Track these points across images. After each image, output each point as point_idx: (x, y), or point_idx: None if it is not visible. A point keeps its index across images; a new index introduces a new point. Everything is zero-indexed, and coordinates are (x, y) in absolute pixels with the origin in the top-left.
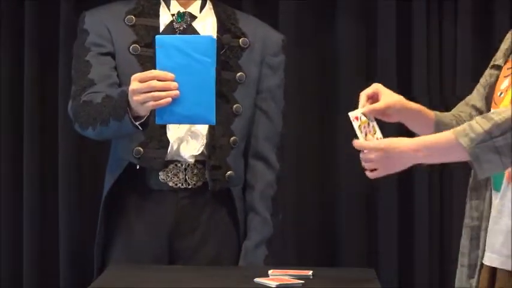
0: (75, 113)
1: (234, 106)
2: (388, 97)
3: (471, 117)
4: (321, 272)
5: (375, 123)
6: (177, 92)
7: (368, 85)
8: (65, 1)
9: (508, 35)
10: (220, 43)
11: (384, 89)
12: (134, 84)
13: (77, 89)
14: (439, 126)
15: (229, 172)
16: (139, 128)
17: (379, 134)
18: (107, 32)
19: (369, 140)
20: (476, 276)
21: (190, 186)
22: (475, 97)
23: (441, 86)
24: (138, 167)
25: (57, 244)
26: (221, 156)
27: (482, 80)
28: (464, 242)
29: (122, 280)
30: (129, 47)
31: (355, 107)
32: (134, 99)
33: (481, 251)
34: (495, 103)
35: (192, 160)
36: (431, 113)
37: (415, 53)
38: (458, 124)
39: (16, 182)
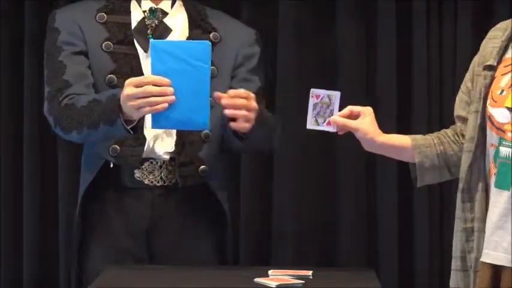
0: (56, 116)
1: None
2: (365, 124)
3: (460, 131)
4: (321, 272)
5: (335, 111)
6: (173, 97)
7: (368, 85)
8: (64, 1)
9: (494, 34)
10: (190, 39)
11: (370, 116)
12: (129, 89)
13: (52, 90)
14: (420, 149)
15: (202, 167)
16: (131, 132)
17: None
18: (79, 30)
19: (315, 124)
20: (472, 277)
21: (166, 184)
22: (458, 106)
23: (441, 86)
24: (112, 165)
25: (57, 244)
26: (192, 151)
27: (463, 87)
28: (458, 245)
29: (122, 280)
30: (102, 45)
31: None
32: (129, 104)
33: (476, 252)
34: (494, 101)
35: (167, 157)
36: (407, 141)
37: (415, 53)
38: (440, 142)
39: (16, 182)
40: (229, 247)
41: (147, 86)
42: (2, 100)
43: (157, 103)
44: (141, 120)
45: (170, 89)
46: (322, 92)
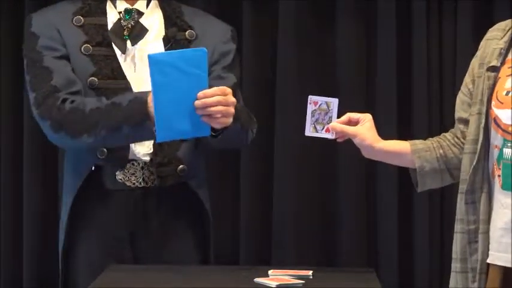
0: (60, 121)
1: None
2: (363, 130)
3: (461, 133)
4: (321, 272)
5: (334, 118)
6: None
7: (368, 85)
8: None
9: (493, 34)
10: (166, 38)
11: (369, 122)
12: None
13: (39, 95)
14: (420, 153)
15: (181, 166)
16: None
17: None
18: (58, 34)
19: (313, 131)
20: (477, 279)
21: (148, 185)
22: (459, 108)
23: (441, 86)
24: (93, 168)
25: (57, 244)
26: (170, 151)
27: (464, 89)
28: (459, 247)
29: (122, 280)
30: (81, 48)
31: (354, 107)
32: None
33: (482, 254)
34: (500, 102)
35: (147, 158)
36: (406, 147)
37: (415, 53)
38: (440, 145)
39: (16, 183)
40: (211, 246)
41: None
42: (2, 100)
43: None
44: None
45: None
46: (320, 99)
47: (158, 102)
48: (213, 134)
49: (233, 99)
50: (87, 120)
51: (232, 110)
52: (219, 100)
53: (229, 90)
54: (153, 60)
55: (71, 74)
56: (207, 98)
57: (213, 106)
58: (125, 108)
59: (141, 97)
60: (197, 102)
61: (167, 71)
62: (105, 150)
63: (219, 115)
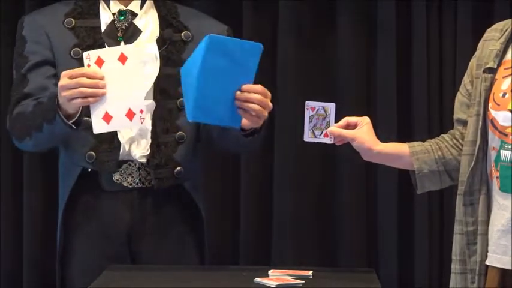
0: (11, 126)
1: (178, 101)
2: (361, 133)
3: (460, 134)
4: (321, 272)
5: (331, 122)
6: (105, 91)
7: (368, 85)
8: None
9: (491, 35)
10: (162, 39)
11: (367, 125)
12: (63, 81)
13: (12, 103)
14: (418, 155)
15: (177, 168)
16: (73, 127)
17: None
18: (46, 37)
19: (312, 136)
20: (477, 281)
21: (145, 186)
22: (458, 109)
23: (441, 86)
24: (89, 170)
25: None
26: (167, 153)
27: (462, 90)
28: (458, 248)
29: (122, 280)
30: (71, 52)
31: (354, 106)
32: (62, 95)
33: (480, 255)
34: (497, 104)
35: (143, 160)
36: (405, 149)
37: (415, 53)
38: (439, 147)
39: (16, 182)
40: (206, 247)
41: (80, 78)
42: (2, 100)
43: (88, 94)
44: (82, 115)
45: (102, 83)
46: (317, 104)
47: (201, 82)
48: (244, 132)
49: (270, 105)
50: (24, 123)
51: (266, 113)
52: (259, 99)
53: (269, 95)
54: (211, 41)
55: (45, 80)
56: (251, 92)
57: (252, 103)
58: (44, 106)
59: (54, 92)
60: (239, 94)
61: (220, 56)
62: (93, 154)
63: (253, 113)
